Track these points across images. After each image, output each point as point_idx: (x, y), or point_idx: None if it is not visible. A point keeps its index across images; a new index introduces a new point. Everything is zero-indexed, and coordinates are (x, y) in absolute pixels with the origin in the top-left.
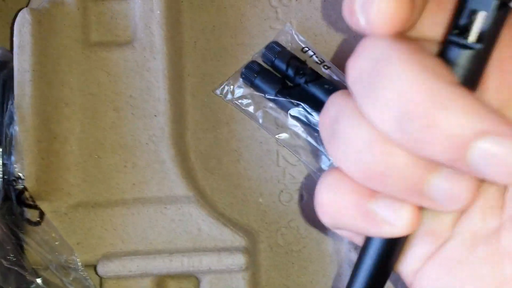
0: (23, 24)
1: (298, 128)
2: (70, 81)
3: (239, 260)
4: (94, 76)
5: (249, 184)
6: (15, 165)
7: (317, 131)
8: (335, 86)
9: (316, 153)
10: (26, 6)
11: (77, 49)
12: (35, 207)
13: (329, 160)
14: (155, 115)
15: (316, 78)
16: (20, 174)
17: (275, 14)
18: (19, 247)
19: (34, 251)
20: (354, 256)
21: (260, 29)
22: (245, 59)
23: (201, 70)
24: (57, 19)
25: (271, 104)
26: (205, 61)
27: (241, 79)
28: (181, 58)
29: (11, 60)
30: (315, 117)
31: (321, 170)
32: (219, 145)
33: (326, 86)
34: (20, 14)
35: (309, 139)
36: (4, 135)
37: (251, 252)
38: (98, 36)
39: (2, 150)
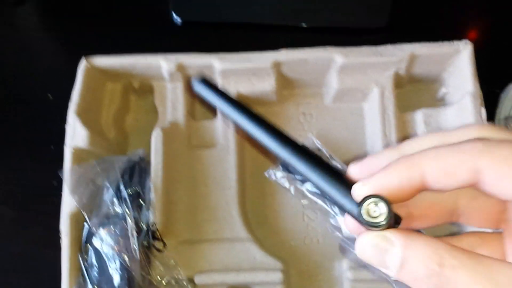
0: (156, 137)
1: (313, 197)
2: (180, 169)
3: (278, 277)
4: (194, 165)
5: (285, 232)
6: (151, 215)
7: (327, 199)
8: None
9: (326, 212)
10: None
11: (184, 150)
12: (161, 240)
13: (334, 216)
14: (229, 188)
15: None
16: (153, 221)
17: (302, 127)
18: (150, 265)
19: (158, 269)
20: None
21: (294, 136)
22: None
23: (256, 162)
24: (175, 133)
25: (298, 182)
26: (258, 155)
27: (280, 167)
28: (244, 154)
29: (148, 156)
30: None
31: (331, 223)
32: (267, 207)
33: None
34: (154, 131)
35: (322, 203)
36: (146, 199)
37: (285, 273)
38: (196, 142)
39: (146, 207)
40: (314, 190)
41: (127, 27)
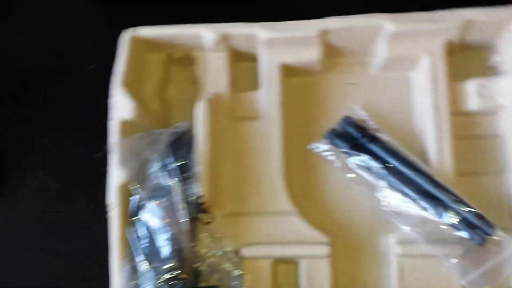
0: (201, 109)
1: (360, 171)
2: (224, 141)
3: (325, 250)
4: (238, 138)
5: (329, 206)
6: (198, 188)
7: (373, 173)
8: (385, 144)
9: (371, 186)
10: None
11: (228, 122)
12: (209, 213)
13: (381, 190)
14: (273, 161)
15: (373, 139)
16: (200, 194)
17: (346, 97)
18: (196, 237)
19: (205, 241)
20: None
21: (338, 107)
22: (328, 126)
23: (301, 133)
24: (218, 104)
25: (343, 155)
26: (302, 127)
27: (326, 139)
28: (288, 126)
29: (192, 128)
30: (373, 164)
31: (376, 197)
32: (311, 180)
33: (380, 144)
34: (199, 103)
35: (367, 177)
36: (193, 172)
37: (332, 246)
38: (240, 113)
39: (193, 179)
40: (360, 163)
41: None
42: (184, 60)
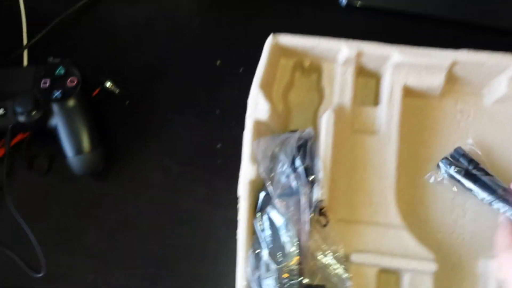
0: (328, 118)
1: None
2: (343, 151)
3: (431, 267)
4: (355, 149)
5: (433, 224)
6: (319, 192)
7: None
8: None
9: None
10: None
11: (348, 133)
12: (326, 216)
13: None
14: (387, 177)
15: (486, 173)
16: (321, 197)
17: (458, 124)
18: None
19: (319, 242)
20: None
21: (450, 138)
22: (437, 149)
23: (411, 151)
24: (341, 115)
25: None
26: (413, 146)
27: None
28: (401, 144)
29: (315, 134)
30: (479, 192)
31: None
32: (418, 199)
33: (488, 177)
34: (327, 112)
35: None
36: (316, 176)
37: (437, 264)
38: (359, 127)
39: (316, 183)
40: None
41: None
42: (310, 68)
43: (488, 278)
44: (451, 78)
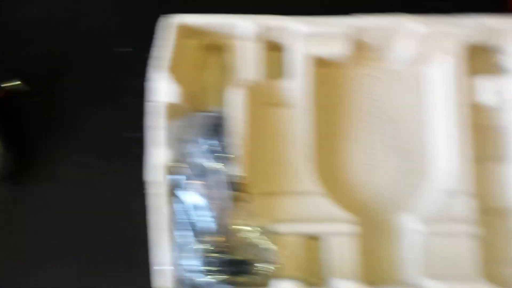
0: (236, 94)
1: None
2: (257, 126)
3: (354, 229)
4: (270, 122)
5: (353, 187)
6: (236, 169)
7: None
8: None
9: None
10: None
11: (261, 108)
12: (247, 192)
13: None
14: (304, 147)
15: None
16: (238, 174)
17: (367, 89)
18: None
19: (243, 218)
20: None
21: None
22: (348, 115)
23: (324, 120)
24: (252, 91)
25: None
26: (325, 115)
27: None
28: (317, 114)
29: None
30: None
31: None
32: (337, 165)
33: None
34: (234, 88)
35: None
36: (230, 153)
37: (360, 225)
38: (273, 100)
39: (231, 161)
40: None
41: None
42: (215, 46)
43: (413, 232)
44: (358, 45)
